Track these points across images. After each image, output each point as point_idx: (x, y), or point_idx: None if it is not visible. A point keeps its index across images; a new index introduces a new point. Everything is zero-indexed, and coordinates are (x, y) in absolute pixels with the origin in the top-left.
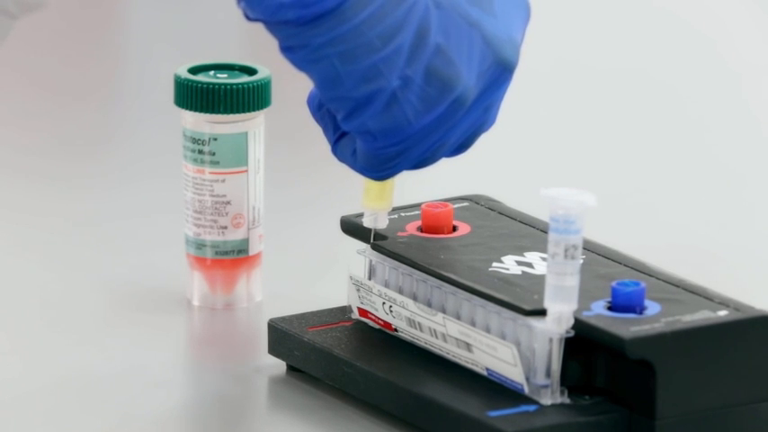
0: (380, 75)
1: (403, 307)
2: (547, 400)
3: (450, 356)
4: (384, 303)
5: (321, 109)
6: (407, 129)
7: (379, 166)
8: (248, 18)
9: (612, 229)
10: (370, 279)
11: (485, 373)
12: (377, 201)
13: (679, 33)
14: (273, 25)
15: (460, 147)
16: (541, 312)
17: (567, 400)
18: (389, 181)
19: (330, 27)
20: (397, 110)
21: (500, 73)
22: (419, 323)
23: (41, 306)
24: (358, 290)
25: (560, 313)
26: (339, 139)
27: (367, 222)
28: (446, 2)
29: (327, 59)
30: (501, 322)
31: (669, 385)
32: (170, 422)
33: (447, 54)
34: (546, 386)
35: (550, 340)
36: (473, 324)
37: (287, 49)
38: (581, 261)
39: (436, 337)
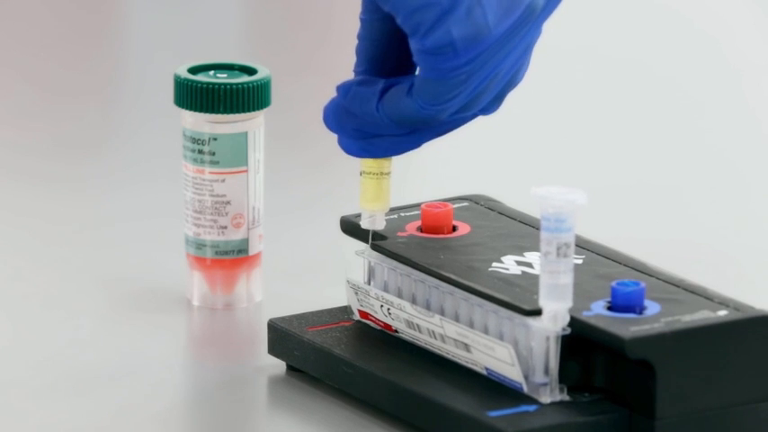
0: None
1: (401, 309)
2: (546, 398)
3: (449, 356)
4: (382, 306)
5: (361, 85)
6: (488, 37)
7: (444, 95)
8: None
9: (612, 225)
10: (369, 280)
11: (484, 372)
12: (374, 202)
13: (681, 31)
14: None
15: (496, 99)
16: (541, 312)
17: (566, 398)
18: (386, 181)
19: None
20: (480, 13)
21: None
22: (417, 325)
23: (41, 306)
24: (356, 293)
25: (555, 311)
26: (385, 92)
27: (364, 224)
28: None
29: None
30: (499, 322)
31: (669, 385)
32: (170, 422)
33: None
34: (545, 384)
35: (547, 338)
36: (471, 324)
37: None
38: (574, 259)
39: (435, 338)
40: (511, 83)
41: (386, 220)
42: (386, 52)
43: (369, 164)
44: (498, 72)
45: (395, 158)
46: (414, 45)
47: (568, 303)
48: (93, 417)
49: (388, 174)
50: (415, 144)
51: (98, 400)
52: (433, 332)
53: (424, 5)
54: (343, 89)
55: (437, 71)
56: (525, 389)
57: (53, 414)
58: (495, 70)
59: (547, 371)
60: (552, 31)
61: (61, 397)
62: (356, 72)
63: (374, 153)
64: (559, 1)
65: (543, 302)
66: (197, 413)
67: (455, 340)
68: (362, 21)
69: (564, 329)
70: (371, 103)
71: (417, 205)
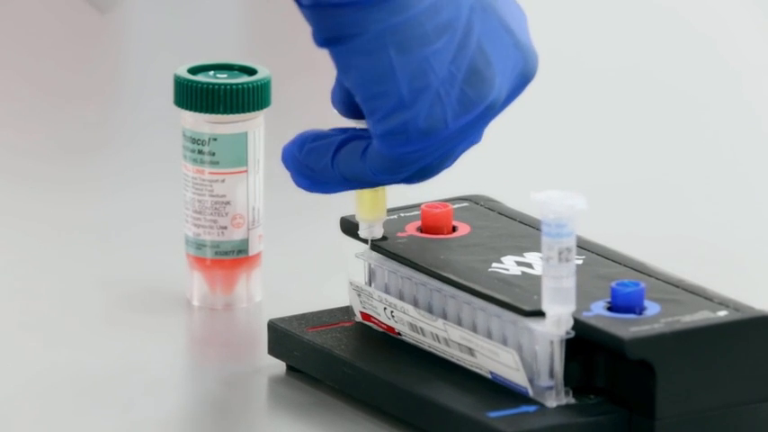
0: (431, 69)
1: (404, 312)
2: (552, 401)
3: (454, 360)
4: (385, 309)
5: (315, 140)
6: (443, 132)
7: (396, 169)
8: (301, 4)
9: (613, 223)
10: (370, 283)
11: (489, 376)
12: (371, 212)
13: (679, 32)
14: (329, 9)
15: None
16: (541, 313)
17: (572, 401)
18: (382, 191)
19: (392, 12)
20: (440, 110)
21: (521, 83)
22: (421, 328)
23: (42, 306)
24: (359, 295)
25: (559, 315)
26: (340, 149)
27: (363, 234)
28: (487, 4)
29: (384, 50)
30: (502, 325)
31: (669, 385)
32: (169, 422)
33: (487, 55)
34: (550, 388)
35: (551, 342)
36: (474, 327)
37: (334, 40)
38: (576, 262)
39: (439, 342)
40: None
41: (386, 220)
42: (354, 99)
43: None
44: (452, 154)
45: None
46: (369, 125)
47: (572, 307)
48: (93, 417)
49: None
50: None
51: (98, 400)
52: (437, 336)
53: (382, 94)
54: (298, 143)
55: (389, 151)
56: (530, 393)
57: (53, 415)
58: (448, 153)
59: (552, 374)
60: (551, 32)
61: (61, 397)
62: (333, 104)
63: (328, 192)
64: (524, 89)
65: (546, 306)
66: (197, 414)
67: (459, 344)
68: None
69: (568, 333)
70: (326, 158)
71: (417, 206)
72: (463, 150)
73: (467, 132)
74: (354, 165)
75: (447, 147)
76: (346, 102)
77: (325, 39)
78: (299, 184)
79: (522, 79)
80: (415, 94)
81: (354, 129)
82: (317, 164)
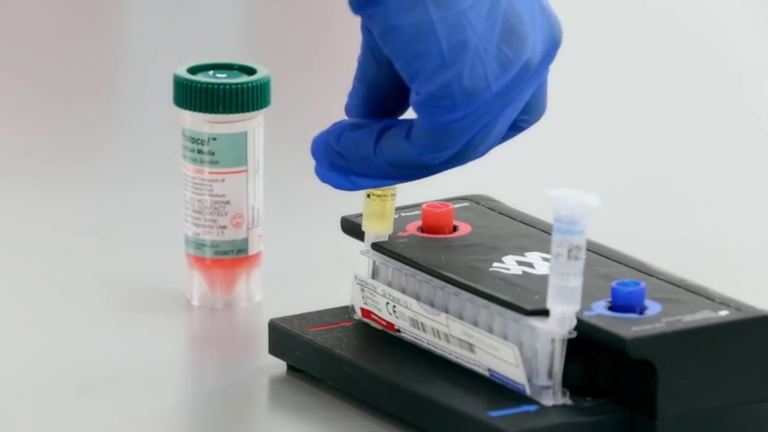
0: (469, 24)
1: (406, 307)
2: (548, 401)
3: (452, 357)
4: (388, 303)
5: (354, 129)
6: (485, 93)
7: (442, 144)
8: None
9: (614, 222)
10: (373, 279)
11: (486, 373)
12: (379, 224)
13: (678, 33)
14: None
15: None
16: (542, 312)
17: (568, 401)
18: (391, 202)
19: None
20: (480, 69)
21: (552, 46)
22: (422, 323)
23: (41, 306)
24: (362, 290)
25: (563, 314)
26: (382, 135)
27: (368, 241)
28: None
29: (422, 4)
30: (503, 323)
31: (670, 385)
32: (170, 422)
33: (518, 12)
34: (548, 387)
35: (553, 341)
36: (476, 325)
37: (370, 2)
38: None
39: (439, 338)
40: (514, 127)
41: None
42: (379, 96)
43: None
44: (494, 126)
45: None
46: (412, 94)
47: (576, 306)
48: (93, 417)
49: (393, 195)
50: (396, 182)
51: (98, 400)
52: (438, 331)
53: (423, 53)
54: (335, 133)
55: (434, 123)
56: (528, 391)
57: (52, 415)
58: (491, 124)
59: (551, 374)
60: None
61: (61, 397)
62: (348, 111)
63: (354, 188)
64: (555, 54)
65: (551, 305)
66: (197, 414)
67: (459, 340)
68: (359, 64)
69: (570, 332)
70: (368, 146)
71: (418, 205)
72: (504, 124)
73: (506, 97)
74: (399, 147)
75: (488, 116)
76: (366, 103)
77: (360, 4)
78: (324, 177)
79: (552, 42)
80: (455, 51)
81: (388, 120)
82: (356, 153)
